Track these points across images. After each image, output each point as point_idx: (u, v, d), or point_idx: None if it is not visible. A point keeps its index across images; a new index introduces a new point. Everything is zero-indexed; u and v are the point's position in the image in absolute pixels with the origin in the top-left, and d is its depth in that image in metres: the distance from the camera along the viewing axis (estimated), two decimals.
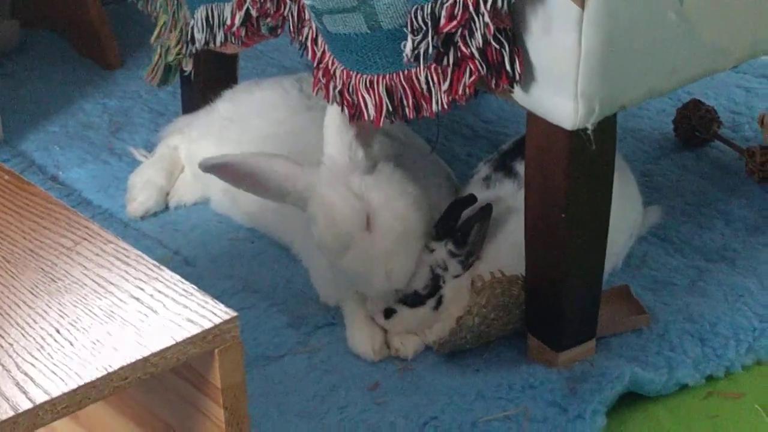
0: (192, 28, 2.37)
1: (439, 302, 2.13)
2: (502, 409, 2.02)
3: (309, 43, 2.08)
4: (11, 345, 1.40)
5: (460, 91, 1.88)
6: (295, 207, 2.18)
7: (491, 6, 1.78)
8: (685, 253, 2.40)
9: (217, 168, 2.18)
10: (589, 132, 1.87)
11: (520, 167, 2.20)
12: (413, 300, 2.13)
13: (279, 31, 2.20)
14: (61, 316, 1.45)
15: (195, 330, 1.42)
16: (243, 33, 2.23)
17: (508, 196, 2.21)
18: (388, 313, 2.15)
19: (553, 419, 1.98)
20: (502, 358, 2.15)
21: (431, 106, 1.92)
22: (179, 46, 2.50)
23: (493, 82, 1.86)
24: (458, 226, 2.12)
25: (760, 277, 2.31)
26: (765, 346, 2.15)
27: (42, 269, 1.54)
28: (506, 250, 2.15)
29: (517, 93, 1.90)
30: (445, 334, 2.10)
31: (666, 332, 2.18)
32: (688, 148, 2.73)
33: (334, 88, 2.03)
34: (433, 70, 1.89)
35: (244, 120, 2.55)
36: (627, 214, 2.32)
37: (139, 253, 1.56)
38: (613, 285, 2.27)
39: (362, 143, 2.14)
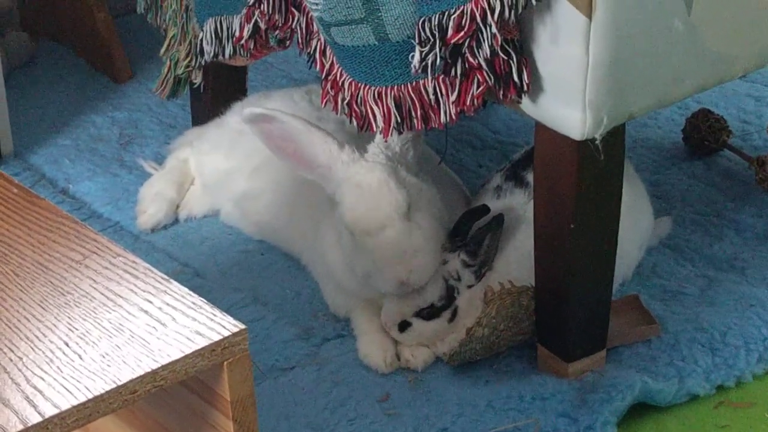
0: (201, 40, 2.38)
1: (455, 314, 2.13)
2: (512, 420, 2.01)
3: (317, 55, 2.08)
4: (21, 358, 1.41)
5: (468, 102, 1.88)
6: (317, 182, 2.17)
7: (498, 17, 1.78)
8: (695, 262, 2.39)
9: (260, 119, 2.17)
10: (597, 142, 1.87)
11: (531, 177, 2.19)
12: (429, 313, 2.13)
13: (288, 43, 2.21)
14: (70, 330, 1.45)
15: (204, 343, 1.42)
16: (252, 45, 2.23)
17: (519, 206, 2.21)
18: (403, 326, 2.15)
19: (564, 430, 1.98)
20: (513, 369, 2.15)
21: (440, 117, 1.93)
22: (188, 59, 2.50)
23: (501, 92, 1.87)
24: (471, 236, 2.12)
25: None
26: None
27: (51, 283, 1.54)
28: (517, 261, 2.15)
29: (525, 103, 1.90)
30: (456, 346, 2.10)
31: (676, 342, 2.17)
32: (698, 157, 2.73)
33: (343, 99, 2.03)
34: (441, 81, 1.89)
35: None
36: (638, 224, 2.31)
37: (148, 266, 1.56)
38: (623, 295, 2.26)
39: (414, 146, 2.16)
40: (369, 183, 2.10)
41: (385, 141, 2.14)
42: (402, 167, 2.15)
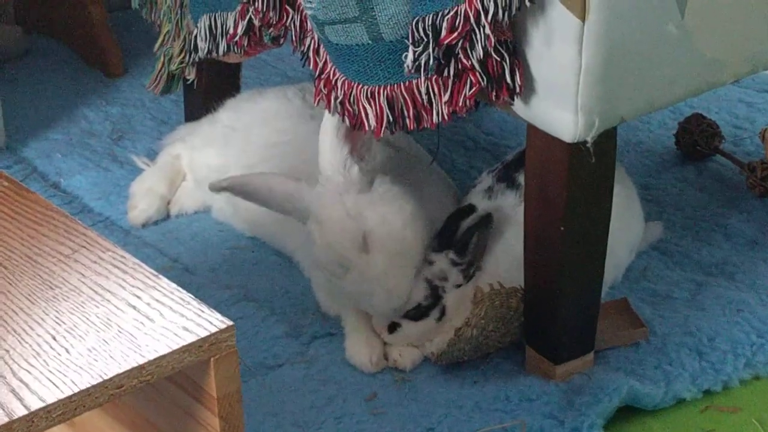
0: (195, 37, 2.38)
1: (443, 313, 2.13)
2: (499, 421, 2.02)
3: (311, 53, 2.08)
4: (7, 351, 1.41)
5: (460, 103, 1.88)
6: (300, 222, 2.18)
7: (492, 18, 1.78)
8: (684, 266, 2.39)
9: (225, 189, 2.23)
10: (588, 145, 1.87)
11: (522, 179, 2.19)
12: (416, 313, 2.13)
13: (281, 40, 2.21)
14: (57, 324, 1.45)
15: (191, 339, 1.42)
16: (245, 42, 2.23)
17: (510, 207, 2.21)
18: (392, 327, 2.15)
19: None
20: (500, 370, 2.15)
21: (432, 118, 1.93)
22: (182, 55, 2.50)
23: (494, 94, 1.87)
24: (458, 236, 2.12)
25: (758, 291, 2.31)
26: (763, 361, 2.15)
27: (40, 276, 1.54)
28: (506, 262, 2.15)
29: (518, 105, 1.90)
30: (444, 346, 2.10)
31: (664, 346, 2.17)
32: (690, 161, 2.73)
33: (336, 98, 2.03)
34: (434, 81, 1.90)
35: (246, 129, 2.55)
36: (628, 228, 2.32)
37: (137, 261, 1.56)
38: (612, 298, 2.27)
39: (358, 159, 2.14)
40: (320, 234, 2.11)
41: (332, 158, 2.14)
42: (351, 192, 2.12)
